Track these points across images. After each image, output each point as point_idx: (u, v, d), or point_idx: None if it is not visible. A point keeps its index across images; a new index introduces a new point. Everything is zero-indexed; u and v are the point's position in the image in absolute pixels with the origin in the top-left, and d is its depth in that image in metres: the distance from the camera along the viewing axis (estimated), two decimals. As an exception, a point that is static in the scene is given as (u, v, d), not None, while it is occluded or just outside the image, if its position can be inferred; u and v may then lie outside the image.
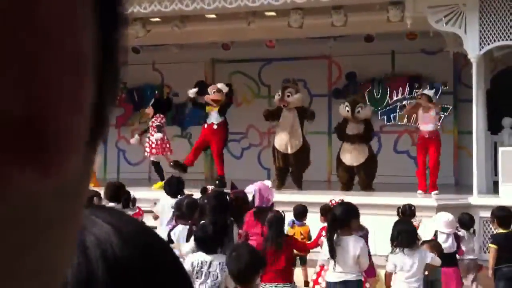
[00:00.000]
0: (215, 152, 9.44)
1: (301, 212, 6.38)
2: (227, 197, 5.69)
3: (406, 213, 6.24)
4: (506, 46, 8.27)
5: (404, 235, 4.94)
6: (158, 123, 9.75)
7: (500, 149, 8.33)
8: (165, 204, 6.55)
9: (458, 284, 5.67)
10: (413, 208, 6.32)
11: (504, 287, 5.52)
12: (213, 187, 7.23)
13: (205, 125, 9.51)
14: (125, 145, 12.44)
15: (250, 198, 5.95)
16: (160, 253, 0.49)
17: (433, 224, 5.89)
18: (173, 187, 6.68)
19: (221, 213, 5.18)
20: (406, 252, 4.90)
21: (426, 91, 8.87)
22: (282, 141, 9.00)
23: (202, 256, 4.43)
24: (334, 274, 4.99)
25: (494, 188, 8.21)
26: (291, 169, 9.04)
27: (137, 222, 0.52)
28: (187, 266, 4.38)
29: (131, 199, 6.55)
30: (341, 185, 8.89)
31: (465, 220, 6.13)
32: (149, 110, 9.86)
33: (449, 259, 5.69)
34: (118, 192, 6.40)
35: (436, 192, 8.30)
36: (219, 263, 4.32)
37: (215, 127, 9.34)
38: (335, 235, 4.92)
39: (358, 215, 5.31)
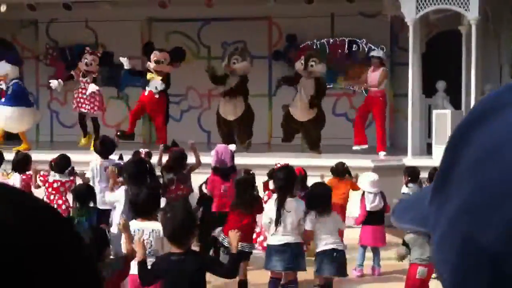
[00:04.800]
0: (159, 125, 9.27)
1: None
2: (146, 164, 5.74)
3: (339, 171, 6.39)
4: (442, 10, 8.45)
5: (319, 199, 5.09)
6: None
7: (434, 112, 8.61)
8: (97, 165, 6.41)
9: (384, 241, 5.92)
10: (345, 166, 6.46)
11: None
12: (146, 150, 7.16)
13: (145, 92, 9.25)
14: (58, 106, 11.98)
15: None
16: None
17: (360, 185, 6.09)
18: (107, 148, 6.56)
19: (142, 179, 5.21)
20: (319, 217, 5.04)
21: (375, 53, 9.02)
22: (226, 107, 8.93)
23: (135, 223, 4.38)
24: (276, 236, 5.06)
25: (427, 150, 8.51)
26: (236, 135, 9.05)
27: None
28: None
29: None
30: (283, 136, 8.98)
31: (412, 173, 6.41)
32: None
33: (377, 217, 5.92)
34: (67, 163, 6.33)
35: (384, 153, 8.52)
36: (152, 230, 4.28)
37: (156, 96, 9.11)
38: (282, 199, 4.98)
39: (299, 178, 5.42)
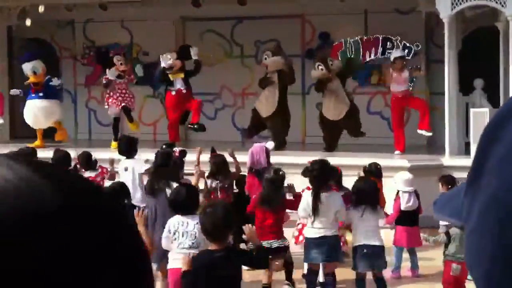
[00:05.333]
0: (196, 105, 9.39)
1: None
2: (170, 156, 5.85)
3: (372, 172, 6.33)
4: (478, 6, 8.32)
5: (367, 194, 5.09)
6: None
7: (472, 110, 8.49)
8: (123, 165, 6.47)
9: (419, 242, 5.85)
10: (379, 167, 6.41)
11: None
12: (181, 148, 7.19)
13: (173, 92, 9.42)
14: (95, 105, 12.20)
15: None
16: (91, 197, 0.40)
17: (395, 184, 6.04)
18: (127, 147, 6.58)
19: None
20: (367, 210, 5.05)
21: (399, 53, 8.93)
22: (261, 103, 9.02)
23: (178, 218, 4.47)
24: (313, 229, 5.10)
25: (466, 149, 8.40)
26: (270, 132, 9.11)
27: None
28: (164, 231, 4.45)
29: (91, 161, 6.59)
30: (324, 145, 9.00)
31: (447, 179, 6.25)
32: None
33: (411, 218, 5.87)
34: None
35: (429, 132, 8.44)
36: (196, 223, 4.37)
37: (184, 91, 9.30)
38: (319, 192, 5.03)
39: (335, 173, 5.44)
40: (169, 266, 4.47)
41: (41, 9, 10.39)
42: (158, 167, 5.67)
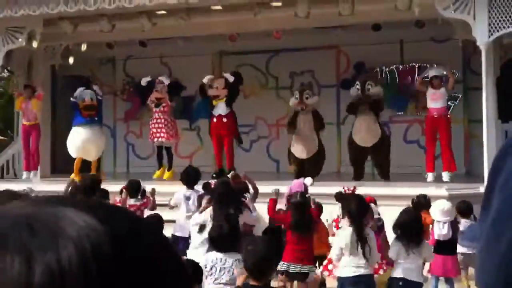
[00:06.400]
0: (226, 147, 9.40)
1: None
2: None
3: (421, 204, 6.19)
4: (516, 32, 8.15)
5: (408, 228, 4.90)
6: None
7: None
8: (182, 194, 6.57)
9: (457, 271, 5.63)
10: (427, 198, 6.27)
11: None
12: (215, 181, 7.23)
13: (214, 119, 9.44)
14: (134, 139, 12.46)
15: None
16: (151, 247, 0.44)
17: (432, 214, 5.89)
18: (192, 178, 6.69)
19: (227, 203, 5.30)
20: (406, 248, 4.86)
21: (436, 71, 8.85)
22: (298, 145, 8.96)
23: (215, 254, 4.42)
24: (349, 268, 4.92)
25: (505, 177, 8.12)
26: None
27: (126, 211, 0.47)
28: (201, 264, 4.39)
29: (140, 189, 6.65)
30: (353, 174, 8.87)
31: (462, 208, 6.09)
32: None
33: (447, 247, 5.68)
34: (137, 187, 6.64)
35: (448, 173, 8.27)
36: (235, 260, 4.34)
37: (224, 120, 9.28)
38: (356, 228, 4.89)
39: (370, 208, 5.31)
40: None
41: (83, 47, 10.80)
42: (221, 195, 5.68)
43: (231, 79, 9.32)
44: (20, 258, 0.39)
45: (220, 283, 4.35)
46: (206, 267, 4.39)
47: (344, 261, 4.91)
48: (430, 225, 5.90)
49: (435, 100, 8.57)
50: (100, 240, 0.41)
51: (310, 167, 8.80)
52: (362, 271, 4.86)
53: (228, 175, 7.26)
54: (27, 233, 0.40)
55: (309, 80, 10.39)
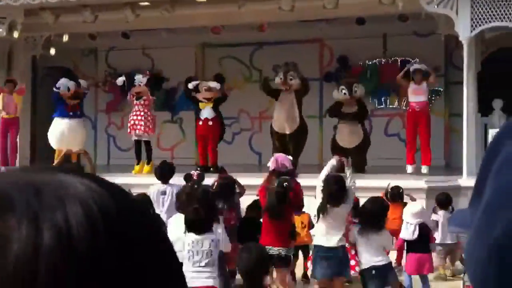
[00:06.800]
0: (210, 147, 9.41)
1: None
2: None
3: (395, 195, 6.28)
4: (497, 27, 8.24)
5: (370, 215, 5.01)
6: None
7: (490, 131, 8.35)
8: (157, 189, 6.54)
9: (430, 268, 5.74)
10: (401, 191, 6.37)
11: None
12: (198, 172, 7.20)
13: (200, 122, 9.42)
14: (115, 130, 12.38)
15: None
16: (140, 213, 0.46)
17: (403, 214, 5.99)
18: (166, 173, 6.67)
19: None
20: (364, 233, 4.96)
21: (419, 66, 8.91)
22: (280, 122, 9.05)
23: (193, 237, 4.45)
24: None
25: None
26: (291, 150, 9.08)
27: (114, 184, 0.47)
28: (177, 247, 4.40)
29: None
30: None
31: (441, 199, 6.20)
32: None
33: (420, 246, 5.80)
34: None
35: (427, 167, 8.37)
36: (212, 240, 4.41)
37: (210, 123, 9.29)
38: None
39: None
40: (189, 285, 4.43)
41: (65, 38, 10.67)
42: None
43: (218, 87, 9.30)
44: (28, 220, 0.39)
45: (199, 266, 4.37)
46: (184, 250, 4.41)
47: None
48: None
49: (416, 95, 8.64)
50: (105, 201, 0.42)
51: (292, 142, 8.90)
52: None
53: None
54: (33, 195, 0.41)
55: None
